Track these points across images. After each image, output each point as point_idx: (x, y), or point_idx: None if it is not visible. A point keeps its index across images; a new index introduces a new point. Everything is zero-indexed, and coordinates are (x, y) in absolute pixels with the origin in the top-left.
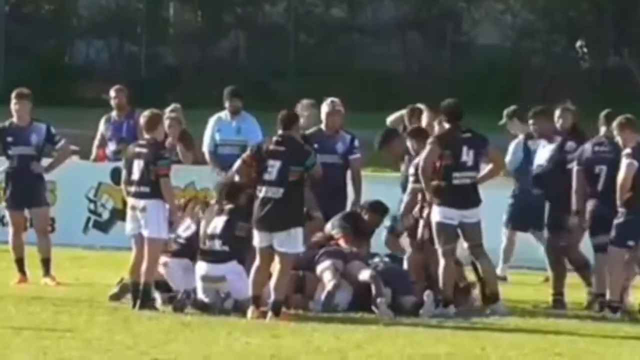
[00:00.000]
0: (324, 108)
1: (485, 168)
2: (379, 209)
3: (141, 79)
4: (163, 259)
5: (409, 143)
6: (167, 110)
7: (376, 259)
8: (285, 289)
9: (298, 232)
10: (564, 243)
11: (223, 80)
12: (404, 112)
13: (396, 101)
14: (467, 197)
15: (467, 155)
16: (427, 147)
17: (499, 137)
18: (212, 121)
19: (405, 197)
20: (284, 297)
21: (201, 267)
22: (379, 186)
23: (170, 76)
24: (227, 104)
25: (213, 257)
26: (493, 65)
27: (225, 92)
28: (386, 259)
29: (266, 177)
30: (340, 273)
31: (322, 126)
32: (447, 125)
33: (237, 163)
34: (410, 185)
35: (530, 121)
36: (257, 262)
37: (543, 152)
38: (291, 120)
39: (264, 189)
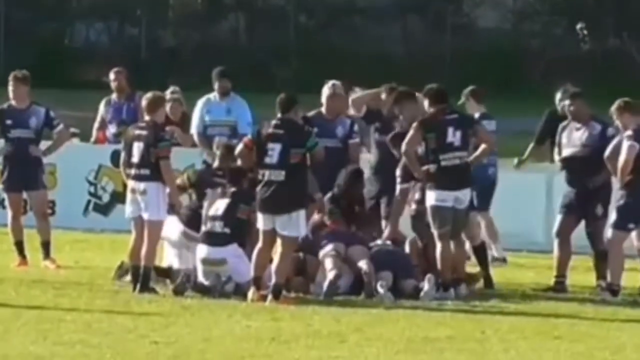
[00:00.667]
0: (325, 91)
1: (479, 149)
2: (353, 176)
3: (141, 61)
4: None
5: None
6: (168, 92)
7: (378, 242)
8: (286, 272)
9: (300, 215)
10: (590, 229)
11: (223, 62)
12: (371, 91)
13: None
14: (459, 178)
15: (453, 136)
16: (410, 132)
17: (501, 120)
18: (201, 103)
19: (395, 201)
20: (284, 280)
21: (202, 250)
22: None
23: (170, 58)
24: (216, 85)
25: (214, 239)
26: (493, 48)
27: (213, 73)
28: (388, 242)
29: (267, 160)
30: (342, 258)
31: (323, 109)
32: (431, 109)
33: (239, 147)
34: (397, 187)
35: (567, 102)
36: (259, 244)
37: (576, 135)
38: (290, 103)
39: (266, 172)
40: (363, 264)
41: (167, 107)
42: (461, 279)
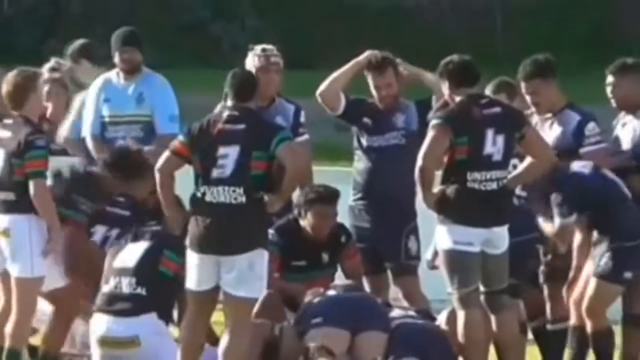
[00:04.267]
0: (252, 61)
1: (524, 162)
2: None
3: (3, 17)
4: None
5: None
6: (46, 67)
7: (397, 312)
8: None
9: (264, 258)
10: None
11: (133, 19)
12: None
13: (406, 44)
14: (494, 209)
15: (493, 144)
16: (430, 134)
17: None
18: (95, 87)
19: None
20: None
21: (99, 324)
22: (338, 186)
23: (49, 14)
24: (117, 58)
25: (119, 306)
26: None
27: (113, 39)
28: (412, 313)
29: (216, 173)
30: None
31: None
32: (456, 98)
33: (163, 157)
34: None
35: None
36: (190, 314)
37: None
38: (251, 86)
39: (212, 191)
40: None
41: (45, 91)
42: None
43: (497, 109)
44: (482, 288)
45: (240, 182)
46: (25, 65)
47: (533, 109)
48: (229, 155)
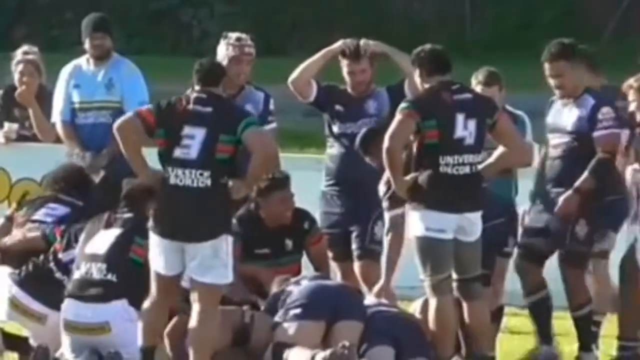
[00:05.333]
0: (225, 50)
1: (495, 151)
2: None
3: None
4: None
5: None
6: (19, 52)
7: (371, 301)
8: (213, 345)
9: (229, 244)
10: None
11: (102, 5)
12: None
13: (375, 31)
14: (467, 194)
15: (464, 128)
16: (397, 117)
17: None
18: (65, 73)
19: (385, 240)
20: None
21: (69, 309)
22: (307, 173)
23: (17, 0)
24: (87, 44)
25: (90, 292)
26: None
27: (83, 25)
28: (384, 301)
29: (179, 153)
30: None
31: None
32: (426, 85)
33: (124, 117)
34: (386, 214)
35: None
36: (153, 297)
37: None
38: (217, 74)
39: (177, 172)
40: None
41: (16, 74)
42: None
43: (468, 95)
44: (454, 275)
45: (207, 166)
46: None
47: (557, 94)
48: (195, 137)
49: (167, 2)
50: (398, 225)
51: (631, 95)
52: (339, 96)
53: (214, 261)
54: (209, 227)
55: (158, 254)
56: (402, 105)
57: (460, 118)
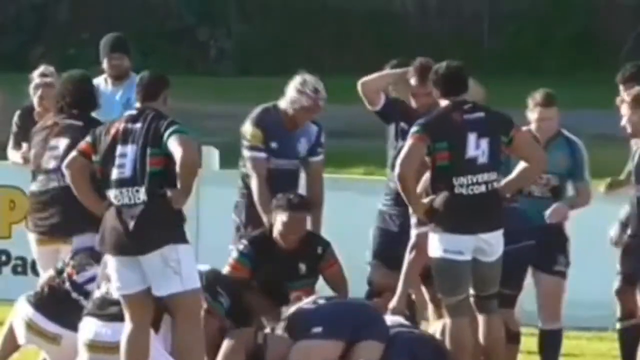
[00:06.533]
0: (298, 97)
1: (517, 167)
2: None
3: None
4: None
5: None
6: (36, 73)
7: (392, 321)
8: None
9: (178, 253)
10: None
11: (119, 25)
12: (392, 71)
13: (392, 49)
14: (481, 216)
15: (476, 148)
16: (407, 142)
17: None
18: None
19: (407, 257)
20: None
21: (89, 328)
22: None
23: (34, 20)
24: (105, 64)
25: (110, 310)
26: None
27: (101, 45)
28: (406, 322)
29: (116, 174)
30: None
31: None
32: (442, 103)
33: (70, 156)
34: (412, 232)
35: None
36: (127, 324)
37: None
38: (158, 85)
39: (115, 193)
40: None
41: (35, 97)
42: None
43: (479, 114)
44: (472, 291)
45: (141, 182)
46: (11, 71)
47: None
48: (127, 155)
49: (184, 22)
50: (422, 244)
51: (623, 109)
52: (405, 113)
53: (165, 270)
54: (152, 238)
55: (115, 275)
56: (413, 129)
57: (471, 138)
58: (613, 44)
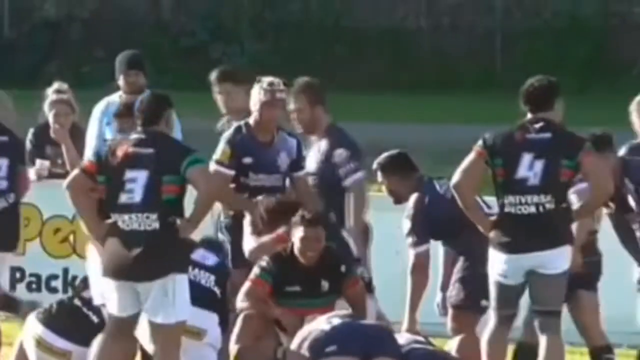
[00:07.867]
0: (257, 94)
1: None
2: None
3: (3, 40)
4: None
5: None
6: (51, 90)
7: (405, 338)
8: None
9: (175, 284)
10: None
11: (133, 42)
12: None
13: (406, 67)
14: (535, 234)
15: (529, 169)
16: (469, 156)
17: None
18: (98, 111)
19: (409, 279)
20: None
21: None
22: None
23: (49, 37)
24: (121, 81)
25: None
26: (565, 20)
27: (117, 62)
28: (420, 339)
29: (124, 199)
30: None
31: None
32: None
33: (72, 174)
34: (410, 252)
35: None
36: (104, 338)
37: None
38: (159, 107)
39: (123, 218)
40: None
41: (50, 115)
42: None
43: (546, 135)
44: (534, 307)
45: (153, 209)
46: (24, 88)
47: None
48: (137, 180)
49: (197, 39)
50: (422, 264)
51: (634, 117)
52: None
53: (164, 300)
54: (157, 266)
55: (111, 295)
56: (478, 142)
57: (526, 158)
58: (628, 63)
